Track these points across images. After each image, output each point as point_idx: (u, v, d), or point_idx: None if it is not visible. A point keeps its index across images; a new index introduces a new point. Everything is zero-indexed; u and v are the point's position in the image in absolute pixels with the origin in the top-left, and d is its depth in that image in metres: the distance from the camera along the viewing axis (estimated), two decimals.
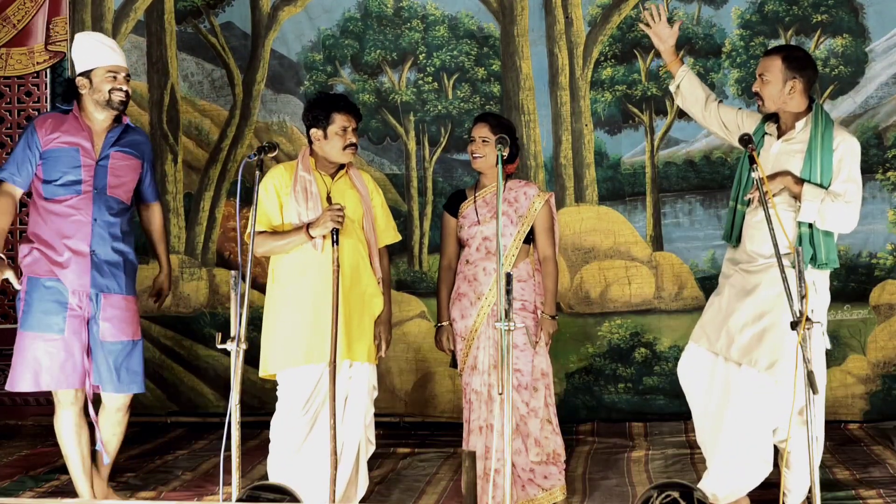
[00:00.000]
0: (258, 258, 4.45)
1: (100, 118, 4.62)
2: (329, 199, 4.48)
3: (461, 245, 4.93)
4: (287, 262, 4.49)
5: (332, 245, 4.34)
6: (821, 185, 4.29)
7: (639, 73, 6.47)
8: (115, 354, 4.57)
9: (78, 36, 4.74)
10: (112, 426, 4.69)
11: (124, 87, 4.58)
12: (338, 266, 4.31)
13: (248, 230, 4.37)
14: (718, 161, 6.41)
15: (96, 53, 4.58)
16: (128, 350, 4.60)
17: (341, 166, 4.59)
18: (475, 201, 4.86)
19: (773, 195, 4.26)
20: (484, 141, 4.75)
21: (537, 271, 4.87)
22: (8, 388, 4.55)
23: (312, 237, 4.39)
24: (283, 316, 4.47)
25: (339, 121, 4.47)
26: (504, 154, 4.33)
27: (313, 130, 4.51)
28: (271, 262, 4.57)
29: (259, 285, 5.10)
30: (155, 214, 4.95)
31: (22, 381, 4.51)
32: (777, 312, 4.26)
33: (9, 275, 4.45)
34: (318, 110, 4.50)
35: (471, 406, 4.81)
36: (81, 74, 4.59)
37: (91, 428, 4.69)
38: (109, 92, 4.55)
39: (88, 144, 4.58)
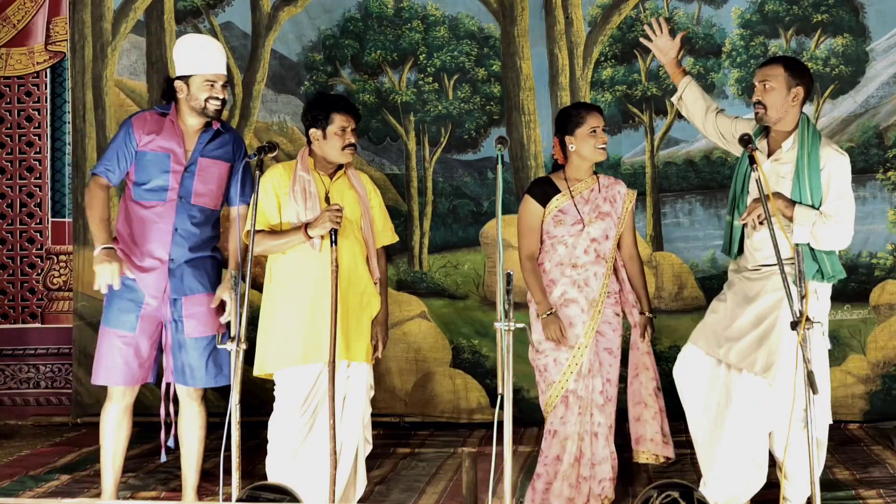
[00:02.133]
0: (258, 258, 4.45)
1: (193, 123, 4.55)
2: (327, 199, 4.48)
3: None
4: (285, 261, 4.49)
5: (331, 245, 4.34)
6: (812, 206, 4.28)
7: (639, 73, 6.47)
8: (201, 349, 4.59)
9: (182, 38, 4.63)
10: (193, 418, 4.71)
11: (221, 96, 4.50)
12: (336, 266, 4.31)
13: (245, 229, 4.38)
14: (718, 161, 6.41)
15: (196, 59, 4.48)
16: (214, 344, 4.63)
17: (340, 166, 4.59)
18: (573, 197, 4.62)
19: (763, 220, 4.23)
20: (604, 130, 4.67)
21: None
22: (93, 381, 4.67)
23: (311, 237, 4.39)
24: (280, 315, 4.47)
25: (338, 121, 4.47)
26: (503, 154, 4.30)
27: (312, 130, 4.51)
28: (269, 262, 4.56)
29: (259, 285, 5.08)
30: (232, 220, 4.63)
31: (98, 374, 4.60)
32: (776, 316, 4.26)
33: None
34: (317, 110, 4.50)
35: (568, 410, 4.54)
36: (180, 78, 4.50)
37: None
38: (206, 100, 4.48)
39: (180, 150, 4.52)
